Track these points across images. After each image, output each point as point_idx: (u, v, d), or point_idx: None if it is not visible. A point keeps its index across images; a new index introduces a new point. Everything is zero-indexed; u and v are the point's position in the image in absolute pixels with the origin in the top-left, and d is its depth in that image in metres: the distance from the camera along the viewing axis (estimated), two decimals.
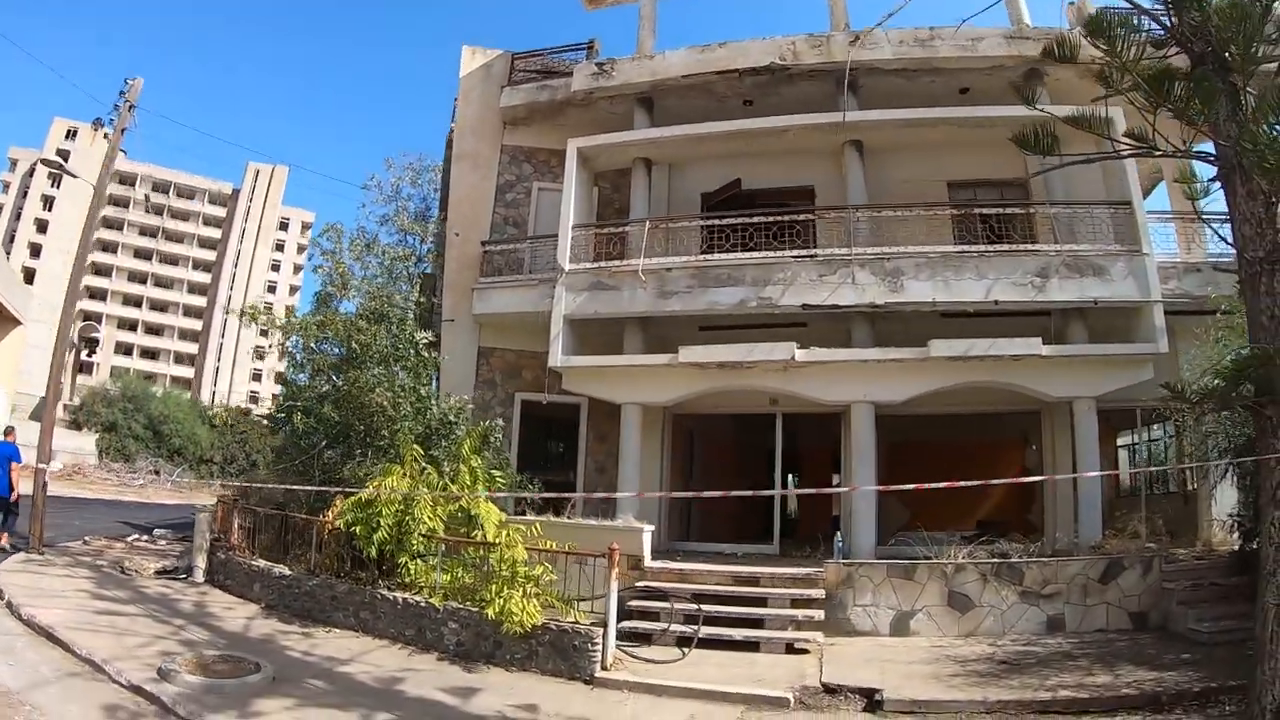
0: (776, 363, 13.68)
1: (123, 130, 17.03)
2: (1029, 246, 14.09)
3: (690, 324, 15.16)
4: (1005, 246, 14.04)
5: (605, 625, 9.99)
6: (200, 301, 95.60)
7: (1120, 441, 19.62)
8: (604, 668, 9.73)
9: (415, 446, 12.50)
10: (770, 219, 14.55)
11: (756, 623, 11.39)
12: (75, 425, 56.43)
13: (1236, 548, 12.12)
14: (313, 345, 15.35)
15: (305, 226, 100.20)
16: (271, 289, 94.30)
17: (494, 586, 10.44)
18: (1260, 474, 5.86)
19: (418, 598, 11.02)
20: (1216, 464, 11.98)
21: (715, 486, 18.94)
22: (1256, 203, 5.77)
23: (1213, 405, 6.09)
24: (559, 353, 14.95)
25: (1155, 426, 18.19)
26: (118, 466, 48.82)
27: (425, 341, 14.74)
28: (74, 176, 20.59)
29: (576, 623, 10.18)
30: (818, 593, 11.78)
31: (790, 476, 19.64)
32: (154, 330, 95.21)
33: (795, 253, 14.12)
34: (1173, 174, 15.12)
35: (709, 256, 14.57)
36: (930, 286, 13.62)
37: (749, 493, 10.13)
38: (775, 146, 16.01)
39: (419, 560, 11.70)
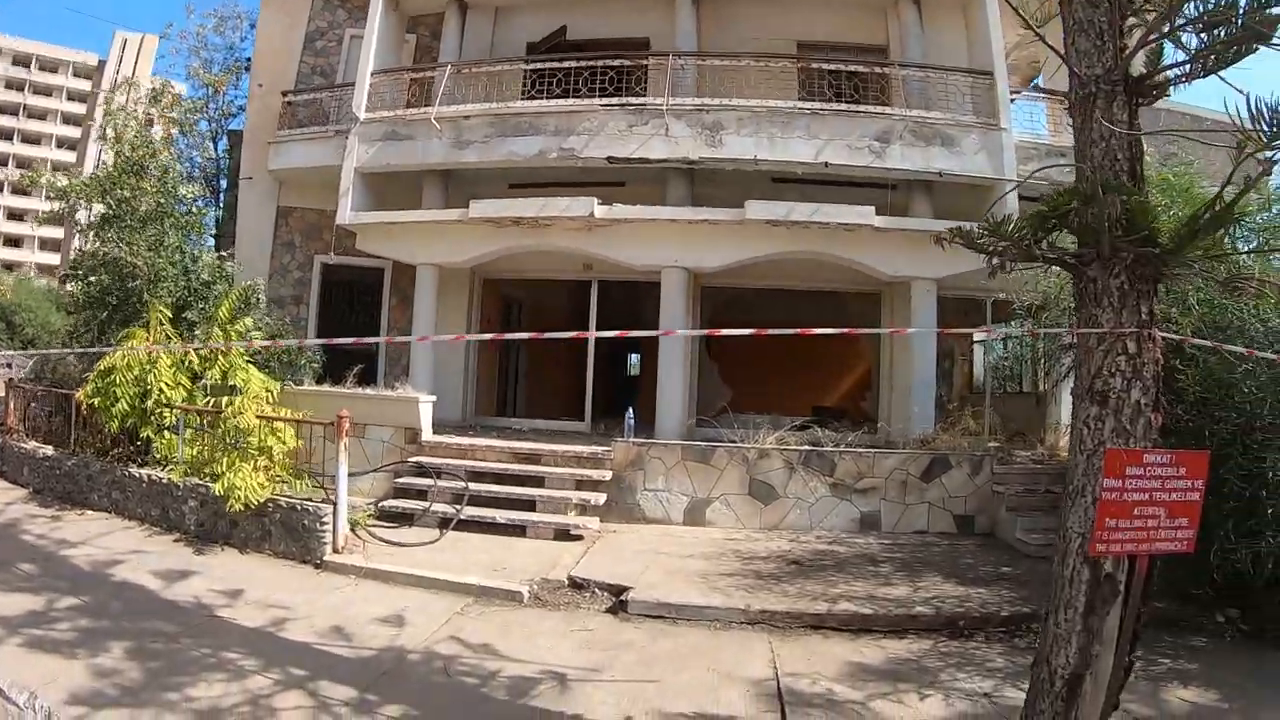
0: (576, 220, 12.14)
1: None
2: (870, 108, 12.67)
3: (497, 180, 13.53)
4: (842, 106, 12.66)
5: (335, 504, 8.88)
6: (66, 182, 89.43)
7: (977, 337, 18.93)
8: (335, 550, 8.73)
9: (161, 310, 11.27)
10: (583, 64, 12.86)
11: (530, 505, 10.19)
12: None
13: None
14: (89, 208, 13.56)
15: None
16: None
17: (226, 459, 9.35)
18: (1077, 357, 4.52)
19: (162, 475, 9.94)
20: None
21: (545, 361, 17.73)
22: (1098, 10, 4.33)
23: (1012, 257, 4.68)
24: (348, 209, 13.29)
25: (1014, 321, 17.53)
26: None
27: (193, 196, 13.06)
28: None
29: (308, 499, 9.08)
30: (603, 474, 10.61)
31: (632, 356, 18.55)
32: (16, 216, 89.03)
33: (604, 101, 12.46)
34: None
35: (510, 104, 12.86)
36: (753, 143, 12.14)
37: (521, 334, 8.71)
38: None
39: (167, 434, 10.51)
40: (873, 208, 12.08)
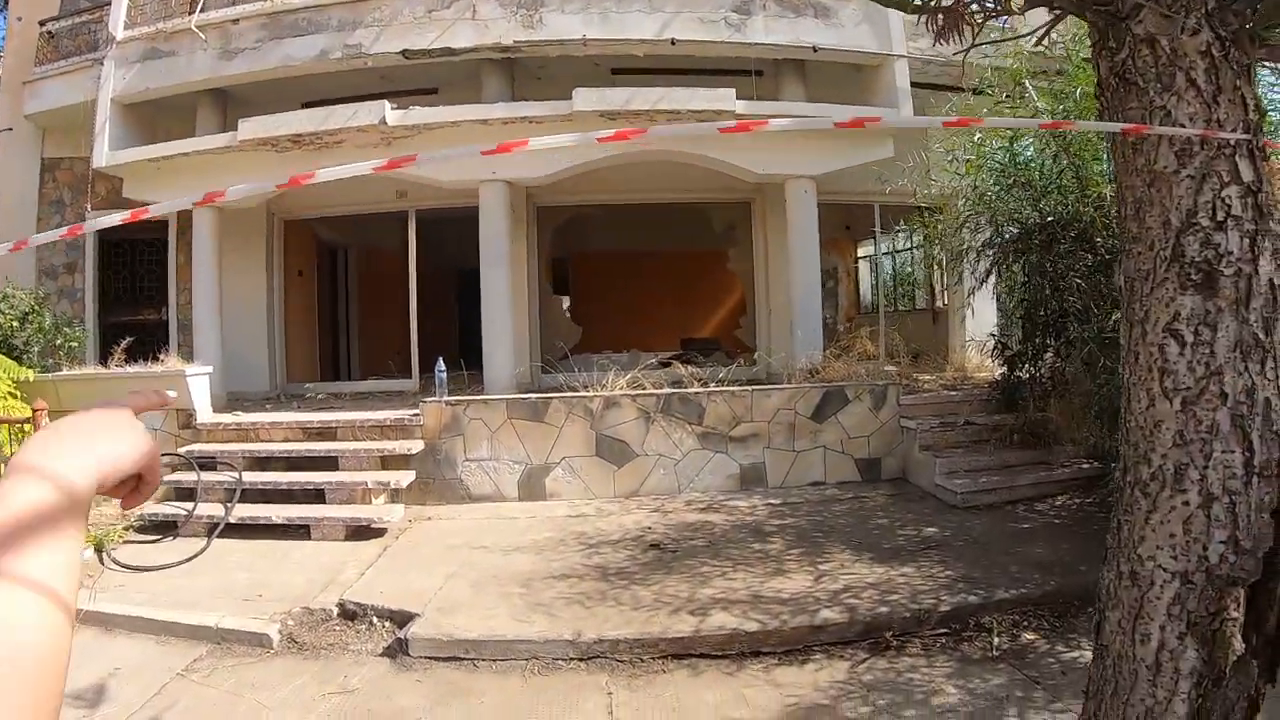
0: (368, 131, 9.76)
1: None
2: None
3: (286, 99, 10.95)
4: None
5: None
6: None
7: (860, 253, 17.44)
8: None
9: None
10: None
11: (320, 495, 8.00)
12: None
13: (998, 377, 9.24)
14: None
15: None
16: None
17: None
18: (1121, 196, 2.39)
19: None
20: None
21: (380, 316, 15.31)
22: None
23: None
24: (104, 148, 10.79)
25: (901, 234, 15.93)
26: None
27: None
28: None
29: None
30: (413, 445, 8.43)
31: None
32: None
33: None
34: None
35: (286, 0, 10.42)
36: (581, 20, 9.87)
37: None
38: None
39: None
40: (733, 91, 9.98)
